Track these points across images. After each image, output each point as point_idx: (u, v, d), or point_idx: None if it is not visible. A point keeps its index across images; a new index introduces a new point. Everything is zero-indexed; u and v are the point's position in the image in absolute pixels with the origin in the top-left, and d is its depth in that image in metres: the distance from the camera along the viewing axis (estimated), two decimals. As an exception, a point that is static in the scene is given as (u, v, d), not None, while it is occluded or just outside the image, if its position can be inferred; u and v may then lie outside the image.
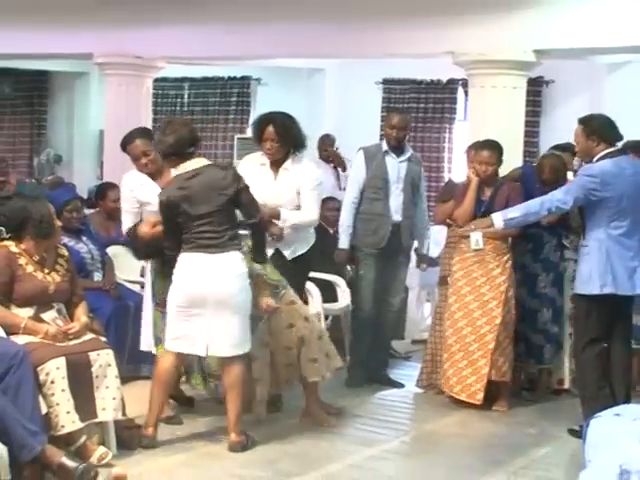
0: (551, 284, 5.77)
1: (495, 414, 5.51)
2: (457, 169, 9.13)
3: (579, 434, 4.95)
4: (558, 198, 5.01)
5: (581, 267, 5.07)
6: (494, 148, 5.70)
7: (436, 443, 5.00)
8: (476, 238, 5.51)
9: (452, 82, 10.21)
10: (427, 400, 5.78)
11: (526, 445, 4.97)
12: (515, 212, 5.11)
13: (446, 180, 8.64)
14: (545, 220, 5.53)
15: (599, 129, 5.03)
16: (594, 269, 4.97)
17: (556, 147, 6.68)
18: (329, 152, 8.31)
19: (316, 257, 6.84)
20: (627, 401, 4.98)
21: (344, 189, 8.23)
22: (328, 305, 6.61)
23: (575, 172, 5.65)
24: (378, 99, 10.70)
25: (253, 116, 11.38)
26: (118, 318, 5.70)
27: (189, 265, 4.57)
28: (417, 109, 10.46)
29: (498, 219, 5.11)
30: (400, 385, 6.07)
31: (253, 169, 5.36)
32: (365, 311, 6.06)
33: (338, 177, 8.40)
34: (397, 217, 5.99)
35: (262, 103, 11.33)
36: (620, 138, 5.13)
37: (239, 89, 11.41)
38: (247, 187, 4.72)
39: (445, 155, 10.37)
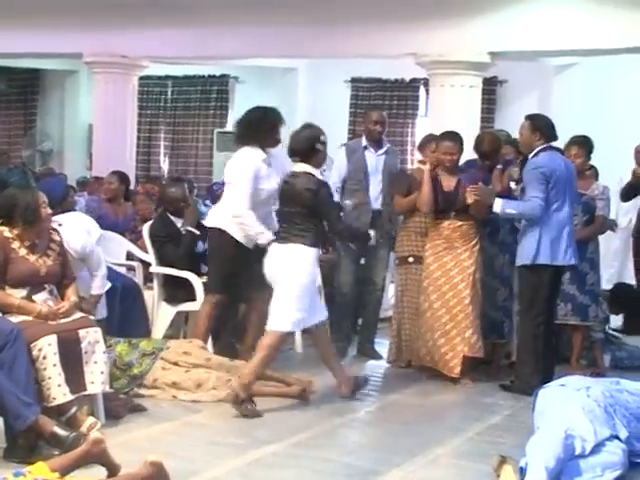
0: (508, 264, 5.81)
1: (452, 385, 5.54)
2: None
3: (508, 388, 5.32)
4: (536, 197, 5.18)
5: (524, 241, 5.26)
6: (456, 138, 5.71)
7: (398, 412, 5.01)
8: None
9: (415, 81, 10.21)
10: (394, 373, 5.79)
11: (481, 413, 5.00)
12: (512, 210, 5.31)
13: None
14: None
15: (543, 126, 5.29)
16: (534, 242, 5.18)
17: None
18: None
19: None
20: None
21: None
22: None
23: (503, 170, 5.74)
24: (346, 97, 10.69)
25: (232, 112, 11.35)
26: (107, 298, 5.65)
27: None
28: (382, 106, 10.35)
29: (498, 205, 5.28)
30: (381, 357, 6.08)
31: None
32: (347, 291, 6.11)
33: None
34: (377, 205, 6.05)
35: (240, 100, 11.29)
36: (556, 138, 5.35)
37: (218, 87, 11.35)
38: None
39: (408, 149, 10.38)
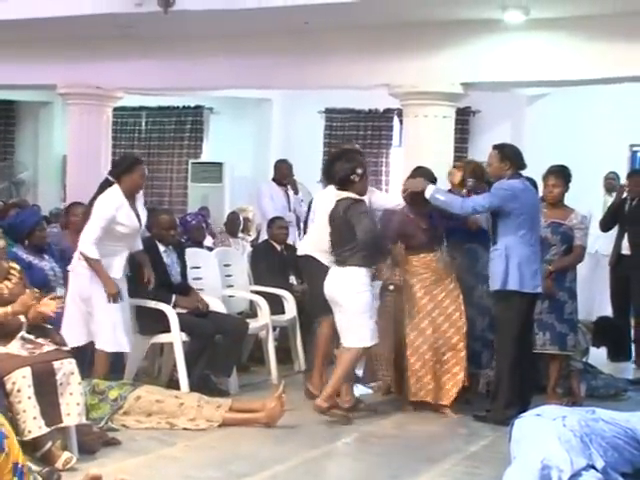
0: (486, 294, 5.84)
1: (431, 415, 5.52)
2: (394, 191, 9.18)
3: (483, 419, 5.34)
4: (477, 201, 5.38)
5: (494, 267, 5.33)
6: (424, 174, 5.81)
7: (375, 443, 4.99)
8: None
9: (388, 111, 10.32)
10: (370, 401, 5.74)
11: (458, 444, 4.99)
12: (442, 196, 5.45)
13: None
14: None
15: (511, 155, 5.41)
16: (503, 268, 5.26)
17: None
18: (290, 180, 8.32)
19: (264, 272, 6.89)
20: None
21: (294, 210, 8.28)
22: (276, 317, 6.57)
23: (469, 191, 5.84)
24: (321, 127, 10.78)
25: (206, 142, 11.38)
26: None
27: None
28: (357, 136, 10.52)
29: (429, 191, 5.42)
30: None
31: None
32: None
33: (289, 199, 8.41)
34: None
35: (214, 131, 11.33)
36: (524, 166, 5.45)
37: (193, 117, 11.39)
38: None
39: (383, 179, 10.44)
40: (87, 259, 5.26)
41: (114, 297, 5.23)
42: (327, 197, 5.50)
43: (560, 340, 5.78)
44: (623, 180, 7.51)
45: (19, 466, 3.09)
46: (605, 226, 7.45)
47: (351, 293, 5.15)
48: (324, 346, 5.73)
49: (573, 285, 5.90)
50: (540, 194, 5.91)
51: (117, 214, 5.29)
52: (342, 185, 5.22)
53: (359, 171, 5.18)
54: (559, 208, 5.89)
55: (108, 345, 5.33)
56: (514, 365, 5.29)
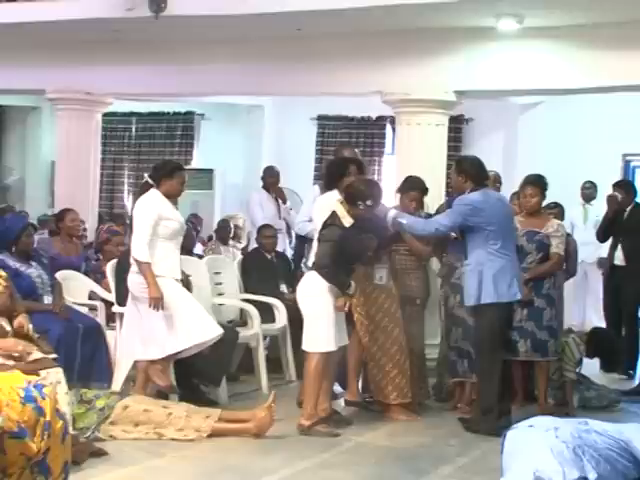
0: (458, 305, 5.88)
1: (420, 426, 5.53)
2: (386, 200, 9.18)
3: (473, 427, 5.41)
4: (439, 221, 5.53)
5: (468, 282, 5.41)
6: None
7: (367, 454, 4.98)
8: (380, 275, 5.66)
9: (381, 119, 10.31)
10: (359, 414, 5.75)
11: (449, 455, 4.99)
12: (405, 219, 5.55)
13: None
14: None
15: (468, 169, 5.55)
16: (476, 284, 5.34)
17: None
18: (275, 188, 8.35)
19: (255, 281, 6.90)
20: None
21: (283, 219, 8.30)
22: (266, 326, 6.58)
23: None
24: (313, 135, 10.75)
25: (197, 149, 11.37)
26: (67, 339, 5.58)
27: None
28: (349, 144, 10.52)
29: (391, 214, 5.54)
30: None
31: None
32: None
33: (279, 207, 8.43)
34: None
35: (205, 137, 11.32)
36: (486, 178, 5.60)
37: (184, 123, 11.37)
38: None
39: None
40: (138, 263, 5.26)
41: (156, 302, 5.20)
42: (327, 203, 5.52)
43: (541, 347, 5.88)
44: (608, 190, 7.54)
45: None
46: (603, 236, 7.46)
47: (306, 296, 5.29)
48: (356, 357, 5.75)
49: (552, 292, 5.97)
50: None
51: (161, 211, 5.39)
52: (347, 201, 5.31)
53: (368, 203, 5.27)
54: (535, 217, 6.00)
55: (157, 352, 5.29)
56: (494, 373, 5.38)
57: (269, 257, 7.19)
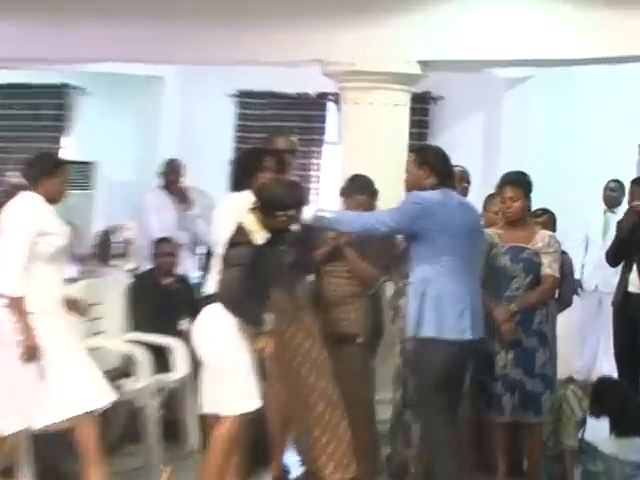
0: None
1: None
2: (328, 201, 9.19)
3: None
4: (379, 218, 5.58)
5: (408, 306, 5.53)
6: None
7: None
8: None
9: (321, 97, 10.37)
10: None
11: None
12: (330, 213, 5.67)
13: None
14: None
15: (432, 160, 5.61)
16: (416, 308, 5.43)
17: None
18: (177, 188, 8.29)
19: (146, 314, 6.85)
20: None
21: (187, 229, 8.21)
22: (161, 376, 6.56)
23: None
24: (231, 115, 10.79)
25: (72, 133, 11.19)
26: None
27: None
28: (279, 128, 10.42)
29: (311, 210, 5.67)
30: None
31: None
32: None
33: (182, 214, 8.37)
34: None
35: (84, 118, 11.19)
36: (451, 174, 5.70)
37: (55, 99, 11.20)
38: None
39: (313, 185, 10.42)
40: (7, 298, 5.18)
41: (30, 353, 5.12)
42: (235, 210, 5.52)
43: (533, 402, 5.96)
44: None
45: None
46: (614, 257, 7.50)
47: (209, 339, 5.31)
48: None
49: (544, 328, 6.04)
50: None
51: (42, 223, 5.33)
52: (262, 210, 5.31)
53: (290, 213, 5.32)
54: (520, 227, 6.07)
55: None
56: (442, 441, 5.41)
57: (167, 282, 7.13)
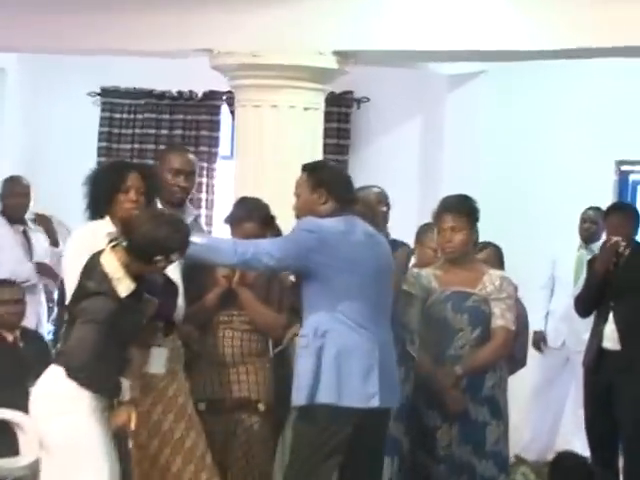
0: (395, 416, 6.04)
1: None
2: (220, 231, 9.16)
3: None
4: (263, 247, 5.57)
5: (299, 367, 5.58)
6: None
7: None
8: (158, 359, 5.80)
9: (211, 97, 10.43)
10: None
11: None
12: (200, 238, 5.57)
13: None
14: None
15: (329, 181, 5.68)
16: (311, 366, 5.48)
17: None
18: (20, 213, 8.26)
19: None
20: None
21: (36, 266, 8.17)
22: (4, 461, 6.50)
23: None
24: (93, 119, 10.77)
25: None
26: None
27: None
28: (157, 137, 10.55)
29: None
30: None
31: None
32: None
33: (30, 248, 8.33)
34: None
35: None
36: (353, 199, 5.79)
37: None
38: None
39: (202, 212, 10.40)
40: None
41: None
42: (88, 243, 5.52)
43: None
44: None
45: None
46: (585, 306, 7.51)
47: (50, 416, 5.22)
48: None
49: (497, 394, 6.15)
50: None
51: None
52: (133, 252, 5.20)
53: (174, 257, 5.27)
54: (463, 266, 6.18)
55: None
56: None
57: (10, 339, 7.12)
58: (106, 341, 5.13)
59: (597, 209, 8.77)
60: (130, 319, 5.23)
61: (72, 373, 5.16)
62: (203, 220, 10.26)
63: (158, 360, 5.75)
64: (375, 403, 5.50)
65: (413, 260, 6.95)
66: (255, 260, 5.53)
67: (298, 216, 5.79)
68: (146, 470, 5.73)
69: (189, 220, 6.37)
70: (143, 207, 5.62)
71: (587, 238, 8.96)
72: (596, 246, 8.60)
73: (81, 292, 5.24)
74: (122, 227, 5.28)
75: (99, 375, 5.16)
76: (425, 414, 6.17)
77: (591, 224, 8.89)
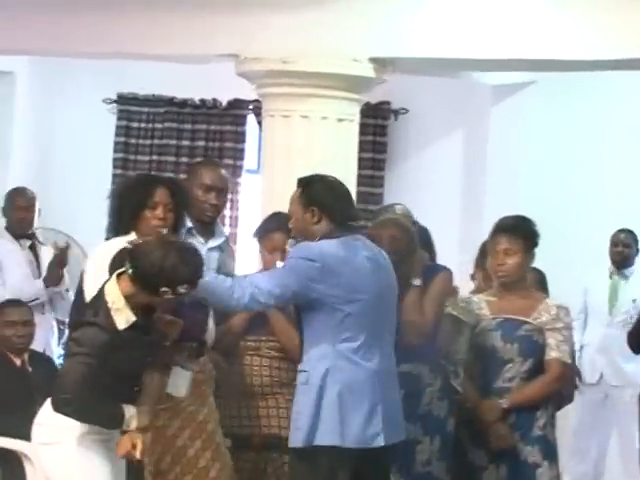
0: (439, 456, 6.09)
1: None
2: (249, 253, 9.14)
3: None
4: (263, 287, 5.47)
5: (298, 405, 5.55)
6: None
7: None
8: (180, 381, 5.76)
9: (237, 105, 10.44)
10: None
11: None
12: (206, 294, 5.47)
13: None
14: None
15: (323, 200, 5.64)
16: (311, 406, 5.46)
17: None
18: (25, 227, 8.26)
19: None
20: None
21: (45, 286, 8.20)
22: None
23: None
24: (109, 127, 10.79)
25: None
26: None
27: None
28: (177, 149, 10.56)
29: None
30: None
31: None
32: None
33: (39, 266, 8.35)
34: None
35: None
36: (353, 216, 5.82)
37: None
38: None
39: (226, 229, 10.42)
40: None
41: None
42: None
43: None
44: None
45: None
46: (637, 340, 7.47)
47: (45, 445, 5.27)
48: None
49: (549, 432, 6.10)
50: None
51: None
52: (137, 282, 5.14)
53: (182, 290, 5.13)
54: (517, 293, 6.15)
55: None
56: None
57: (18, 363, 7.18)
58: (100, 373, 5.10)
59: (630, 232, 8.87)
60: (128, 353, 5.17)
61: (58, 407, 5.16)
62: (227, 229, 10.37)
63: (179, 382, 5.71)
64: (380, 443, 5.49)
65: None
66: (254, 302, 5.49)
67: (294, 236, 5.78)
68: None
69: (220, 241, 6.42)
70: (170, 225, 5.63)
71: (619, 262, 8.97)
72: (630, 271, 8.65)
73: (79, 320, 5.26)
74: (129, 253, 5.22)
75: (88, 408, 5.14)
76: (470, 451, 6.13)
77: (624, 247, 8.92)
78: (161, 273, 5.07)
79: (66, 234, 9.47)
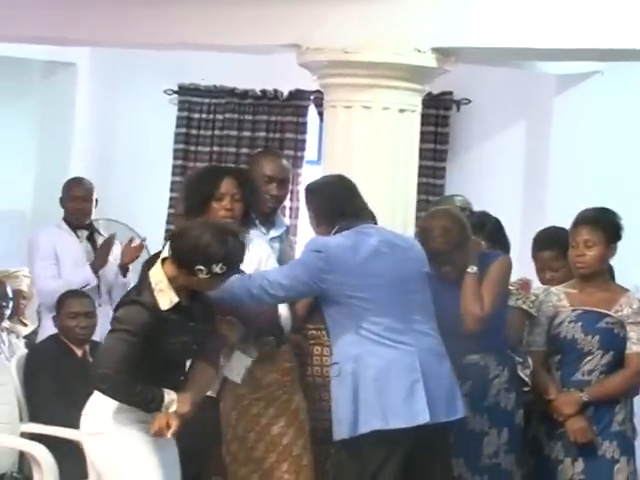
0: (507, 448, 6.06)
1: None
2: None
3: None
4: (268, 277, 5.60)
5: (335, 399, 5.62)
6: None
7: None
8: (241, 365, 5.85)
9: (298, 96, 10.47)
10: None
11: None
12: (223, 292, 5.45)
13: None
14: None
15: (317, 206, 5.90)
16: (349, 396, 5.51)
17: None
18: (83, 218, 8.26)
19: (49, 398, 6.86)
20: None
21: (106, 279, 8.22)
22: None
23: None
24: (170, 118, 10.86)
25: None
26: None
27: None
28: (238, 140, 10.59)
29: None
30: None
31: None
32: None
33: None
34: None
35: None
36: (355, 213, 5.83)
37: None
38: None
39: (287, 220, 10.44)
40: None
41: None
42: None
43: None
44: None
45: None
46: None
47: (91, 435, 5.40)
48: None
49: (627, 429, 6.10)
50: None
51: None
52: (177, 261, 5.24)
53: (218, 269, 5.18)
54: (597, 285, 6.16)
55: None
56: None
57: (79, 353, 7.21)
58: (141, 354, 5.17)
59: None
60: (171, 337, 5.24)
61: (95, 383, 5.24)
62: (287, 220, 10.38)
63: (237, 366, 5.82)
64: (425, 419, 5.46)
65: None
66: (262, 293, 5.56)
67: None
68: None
69: (280, 231, 6.52)
70: (238, 215, 5.75)
71: None
72: None
73: (122, 299, 5.37)
74: (171, 234, 5.41)
75: (125, 385, 5.18)
76: (547, 445, 6.16)
77: None
78: (195, 250, 5.15)
79: (127, 225, 9.50)
